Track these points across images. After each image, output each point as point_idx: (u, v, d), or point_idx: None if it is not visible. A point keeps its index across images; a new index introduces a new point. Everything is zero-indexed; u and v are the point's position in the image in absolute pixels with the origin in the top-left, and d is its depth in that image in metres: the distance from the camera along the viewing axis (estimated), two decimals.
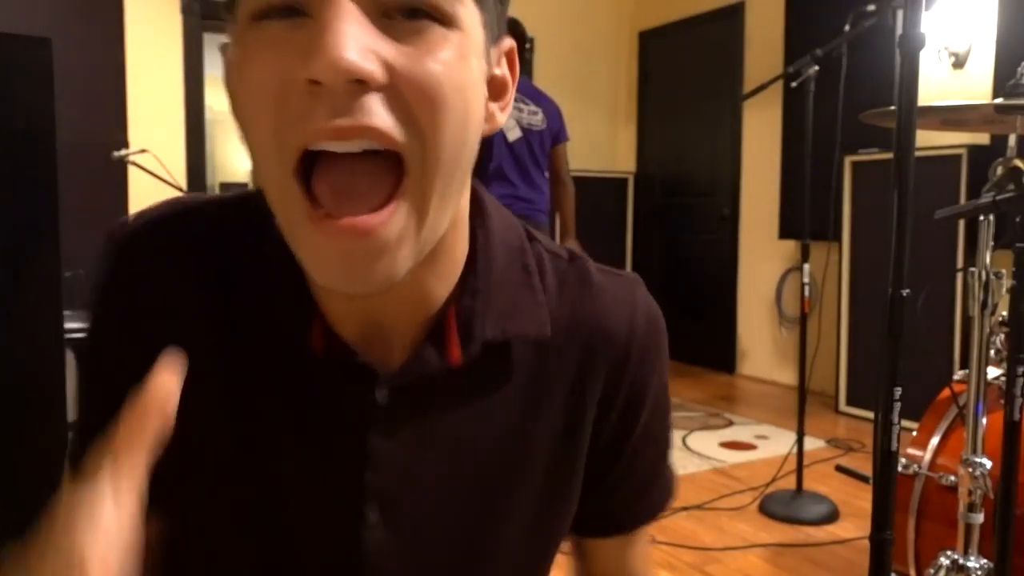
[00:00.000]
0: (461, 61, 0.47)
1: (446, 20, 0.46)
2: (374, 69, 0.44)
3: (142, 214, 0.59)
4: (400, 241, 0.47)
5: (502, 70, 0.55)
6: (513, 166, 3.41)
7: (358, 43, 0.43)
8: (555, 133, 3.58)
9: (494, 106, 0.54)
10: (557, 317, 0.59)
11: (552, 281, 0.60)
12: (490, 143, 3.38)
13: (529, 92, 3.53)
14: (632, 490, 0.67)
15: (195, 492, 0.57)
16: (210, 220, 0.58)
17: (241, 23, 0.47)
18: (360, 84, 0.43)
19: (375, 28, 0.45)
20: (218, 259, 0.56)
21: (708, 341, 5.20)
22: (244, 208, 0.58)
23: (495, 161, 3.38)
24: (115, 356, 0.57)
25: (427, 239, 0.49)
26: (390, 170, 0.47)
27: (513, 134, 3.39)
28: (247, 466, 0.56)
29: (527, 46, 3.58)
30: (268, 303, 0.55)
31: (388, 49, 0.45)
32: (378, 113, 0.44)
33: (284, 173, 0.46)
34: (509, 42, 0.55)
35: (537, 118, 3.49)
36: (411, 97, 0.45)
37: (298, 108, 0.45)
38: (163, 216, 0.58)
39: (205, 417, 0.54)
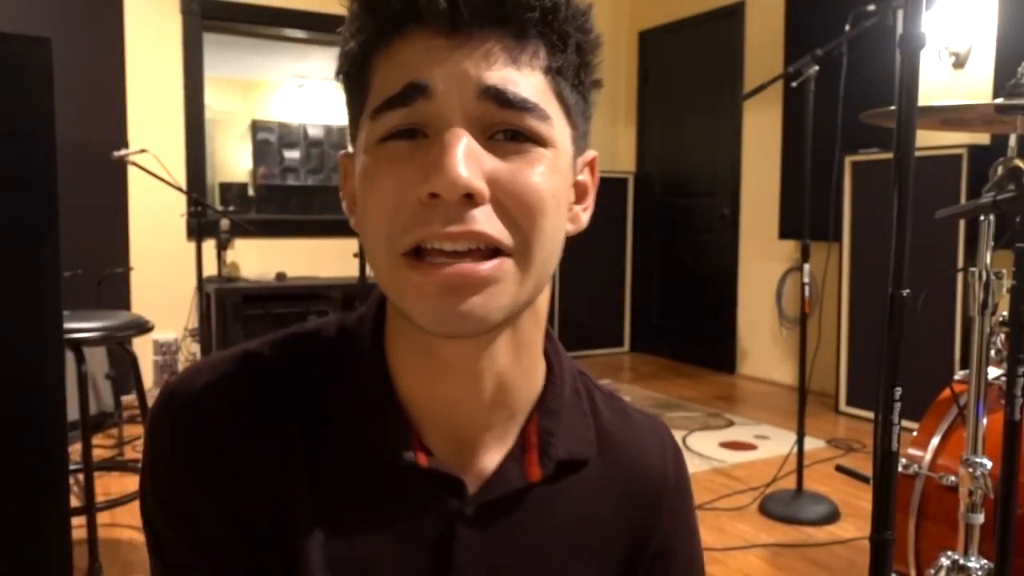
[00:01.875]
0: (553, 174, 0.55)
1: (541, 141, 0.54)
2: (483, 188, 0.52)
3: (192, 378, 0.60)
4: (500, 285, 0.54)
5: (585, 176, 0.63)
6: None
7: (470, 164, 0.51)
8: None
9: (577, 208, 0.62)
10: (604, 445, 0.67)
11: (602, 410, 0.69)
12: None
13: None
14: None
15: None
16: (270, 364, 0.61)
17: (368, 139, 0.55)
18: (470, 198, 0.52)
19: (482, 148, 0.53)
20: (294, 395, 0.60)
21: (708, 341, 5.20)
22: (299, 346, 0.63)
23: None
24: (206, 516, 0.58)
25: (521, 299, 0.56)
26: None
27: None
28: (349, 548, 0.59)
29: None
30: (366, 422, 0.59)
31: (493, 165, 0.53)
32: (485, 220, 0.52)
33: (396, 254, 0.54)
34: (592, 153, 0.64)
35: None
36: (512, 206, 0.53)
37: (415, 212, 0.52)
38: (217, 373, 0.60)
39: (305, 539, 0.57)
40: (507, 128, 0.54)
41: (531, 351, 0.62)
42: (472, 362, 0.58)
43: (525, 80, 0.54)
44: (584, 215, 0.63)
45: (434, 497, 0.60)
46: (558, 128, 0.56)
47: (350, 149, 0.61)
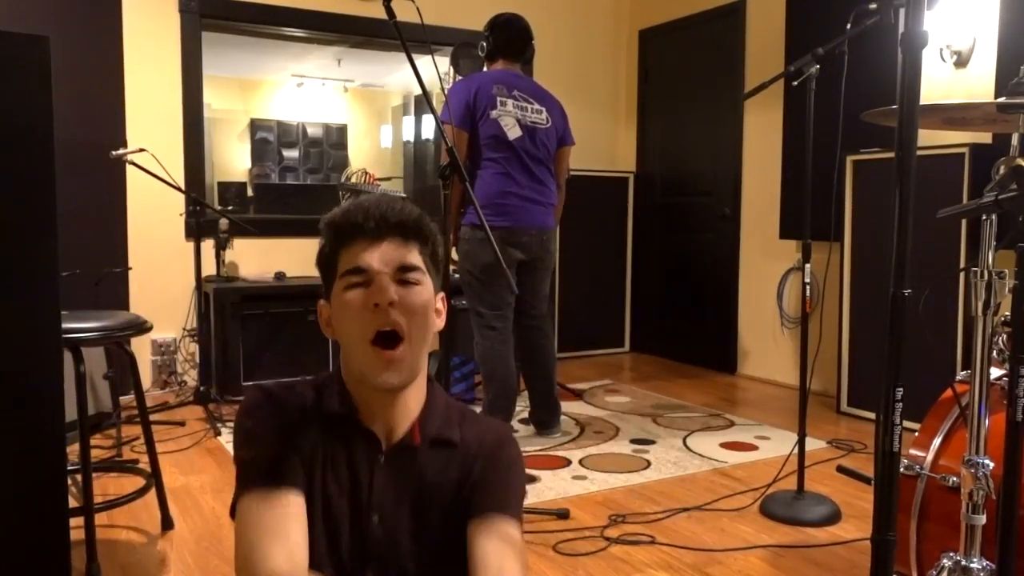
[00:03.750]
0: (428, 295, 1.15)
1: (420, 282, 1.14)
2: (396, 299, 1.11)
3: (271, 386, 1.19)
4: (403, 361, 1.12)
5: (440, 304, 1.21)
6: (516, 164, 3.39)
7: (391, 293, 1.11)
8: (560, 134, 3.57)
9: (436, 317, 1.18)
10: (465, 437, 1.21)
11: (467, 418, 1.24)
12: (494, 143, 3.37)
13: (534, 92, 3.52)
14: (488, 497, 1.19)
15: (310, 500, 1.14)
16: (300, 388, 1.20)
17: (338, 289, 1.14)
18: (391, 306, 1.10)
19: (396, 284, 1.12)
20: (311, 400, 1.18)
21: (709, 341, 5.19)
22: (310, 383, 1.21)
23: (499, 162, 3.37)
24: (270, 447, 1.14)
25: (415, 366, 1.14)
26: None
27: (513, 132, 3.38)
28: (326, 485, 1.14)
29: (532, 44, 3.58)
30: (343, 416, 1.16)
31: (400, 291, 1.12)
32: (398, 318, 1.11)
33: (366, 341, 1.11)
34: (442, 294, 1.21)
35: (541, 117, 3.48)
36: (408, 312, 1.12)
37: (368, 316, 1.11)
38: (274, 386, 1.19)
39: (315, 468, 1.14)
40: (405, 278, 1.13)
41: (418, 389, 1.19)
42: (390, 394, 1.15)
43: (411, 255, 1.14)
44: (440, 321, 1.20)
45: (368, 450, 1.15)
46: (427, 275, 1.16)
47: (322, 302, 1.19)
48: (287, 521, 1.07)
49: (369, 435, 1.15)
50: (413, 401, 1.17)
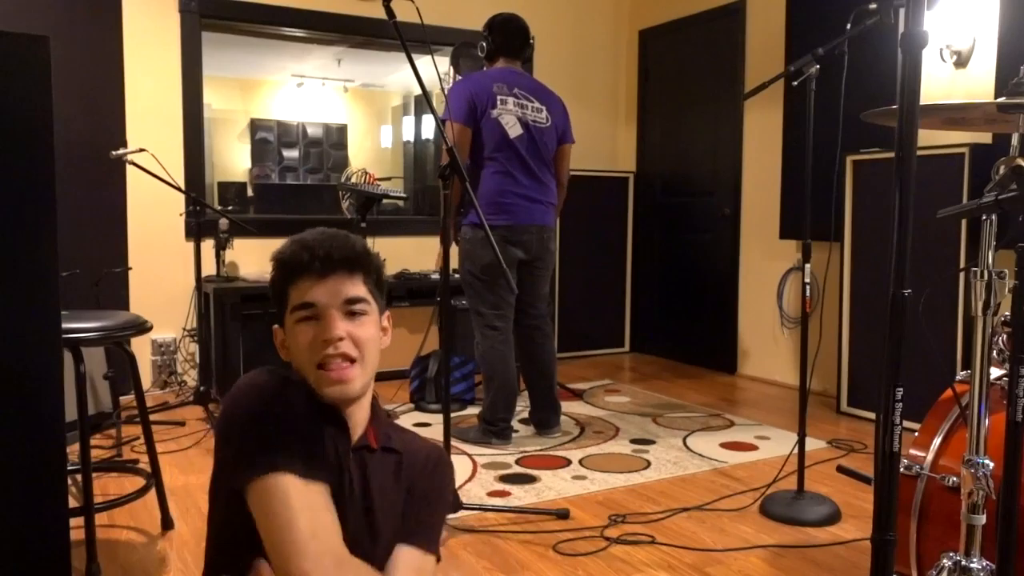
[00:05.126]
0: (373, 326, 1.27)
1: (366, 312, 1.26)
2: (345, 336, 1.22)
3: (257, 374, 1.27)
4: (356, 379, 1.24)
5: (387, 323, 1.33)
6: (516, 163, 3.39)
7: (340, 327, 1.22)
8: (561, 133, 3.57)
9: (383, 335, 1.31)
10: (404, 448, 1.34)
11: (403, 434, 1.38)
12: (495, 142, 3.37)
13: (536, 91, 3.52)
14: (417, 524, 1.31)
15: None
16: (287, 380, 1.26)
17: (289, 321, 1.25)
18: (341, 339, 1.22)
19: (345, 318, 1.23)
20: (296, 397, 1.24)
21: (709, 341, 5.19)
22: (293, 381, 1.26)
23: (500, 160, 3.37)
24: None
25: (365, 384, 1.26)
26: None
27: (514, 131, 3.38)
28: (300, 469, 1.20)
29: (531, 41, 3.58)
30: (318, 412, 1.24)
31: (348, 325, 1.23)
32: (348, 350, 1.22)
33: (314, 366, 1.22)
34: (387, 313, 1.33)
35: (542, 115, 3.48)
36: (358, 342, 1.24)
37: (319, 348, 1.22)
38: (268, 377, 1.25)
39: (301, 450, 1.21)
40: (352, 309, 1.24)
41: (368, 401, 1.31)
42: (346, 407, 1.26)
43: (356, 288, 1.24)
44: (387, 339, 1.32)
45: (336, 439, 1.24)
46: (372, 305, 1.27)
47: (276, 327, 1.30)
48: (330, 509, 1.16)
49: (341, 423, 1.25)
50: (364, 413, 1.30)
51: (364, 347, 1.23)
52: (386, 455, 1.29)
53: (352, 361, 1.22)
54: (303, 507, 1.12)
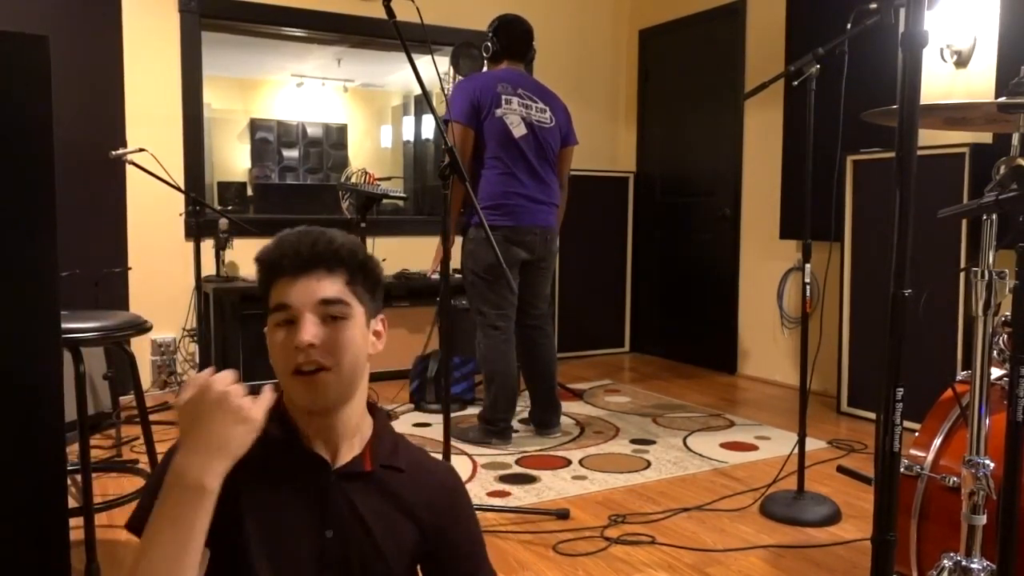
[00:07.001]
0: (355, 329, 1.15)
1: (346, 315, 1.14)
2: (318, 342, 1.11)
3: None
4: (328, 388, 1.13)
5: (379, 327, 1.22)
6: (521, 163, 3.39)
7: (313, 333, 1.11)
8: (565, 134, 3.57)
9: (375, 339, 1.21)
10: (411, 467, 1.24)
11: (411, 450, 1.27)
12: (499, 142, 3.37)
13: (538, 91, 3.52)
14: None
15: (249, 522, 1.14)
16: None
17: (271, 323, 1.15)
18: (311, 345, 1.10)
19: (320, 322, 1.13)
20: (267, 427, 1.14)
21: (709, 341, 5.19)
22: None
23: (504, 160, 3.37)
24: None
25: (343, 392, 1.15)
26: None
27: (518, 131, 3.38)
28: (270, 507, 1.15)
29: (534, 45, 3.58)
30: (284, 441, 1.18)
31: (324, 331, 1.12)
32: (320, 357, 1.12)
33: (289, 373, 1.13)
34: (381, 316, 1.23)
35: (545, 116, 3.48)
36: (332, 349, 1.12)
37: (292, 353, 1.11)
38: None
39: (259, 489, 1.15)
40: (329, 312, 1.13)
41: (358, 412, 1.21)
42: (327, 417, 1.16)
43: (333, 288, 1.14)
44: (380, 344, 1.22)
45: (315, 472, 1.16)
46: (356, 304, 1.16)
47: (265, 330, 1.18)
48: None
49: (314, 457, 1.16)
50: (353, 424, 1.19)
51: (340, 353, 1.11)
52: (387, 473, 1.20)
53: (325, 368, 1.11)
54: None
